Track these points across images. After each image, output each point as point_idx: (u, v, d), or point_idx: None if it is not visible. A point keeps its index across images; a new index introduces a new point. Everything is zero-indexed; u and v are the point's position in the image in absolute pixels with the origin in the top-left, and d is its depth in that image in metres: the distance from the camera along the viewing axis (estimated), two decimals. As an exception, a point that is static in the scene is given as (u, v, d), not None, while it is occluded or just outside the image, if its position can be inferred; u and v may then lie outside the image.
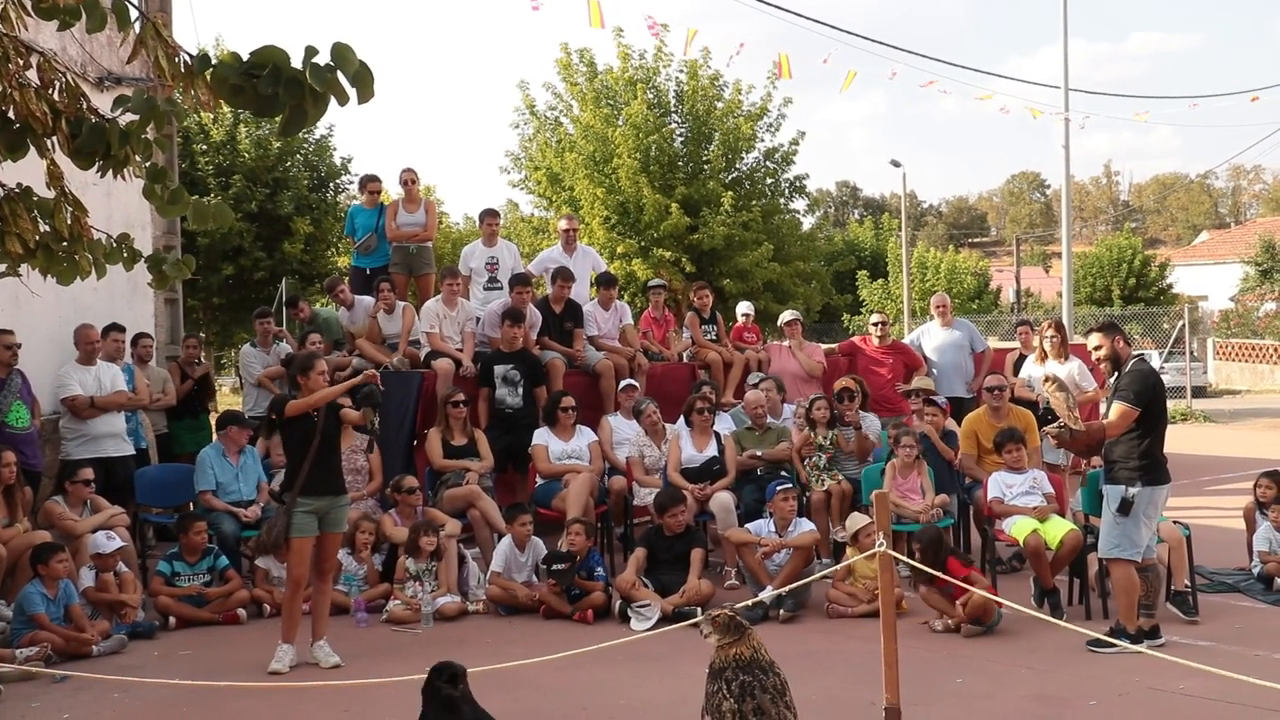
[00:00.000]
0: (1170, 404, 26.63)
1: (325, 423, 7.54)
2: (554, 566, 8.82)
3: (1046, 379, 8.10)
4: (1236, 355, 38.22)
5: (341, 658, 7.53)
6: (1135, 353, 7.80)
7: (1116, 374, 7.66)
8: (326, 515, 7.57)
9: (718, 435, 10.37)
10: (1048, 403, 10.69)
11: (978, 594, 7.63)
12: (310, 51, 3.85)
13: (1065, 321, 21.88)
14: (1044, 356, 11.13)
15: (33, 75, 4.64)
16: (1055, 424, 7.61)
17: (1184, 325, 28.14)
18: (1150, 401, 7.40)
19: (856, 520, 8.79)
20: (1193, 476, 15.06)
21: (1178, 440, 19.58)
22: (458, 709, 4.51)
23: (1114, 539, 7.42)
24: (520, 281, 11.59)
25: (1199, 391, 30.44)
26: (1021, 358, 12.41)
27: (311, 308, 13.67)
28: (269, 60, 3.84)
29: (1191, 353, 30.18)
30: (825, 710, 6.29)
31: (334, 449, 7.76)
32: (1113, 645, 7.05)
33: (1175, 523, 8.63)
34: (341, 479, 7.90)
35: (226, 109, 22.78)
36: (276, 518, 7.61)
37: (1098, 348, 7.73)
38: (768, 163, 25.50)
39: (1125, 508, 7.33)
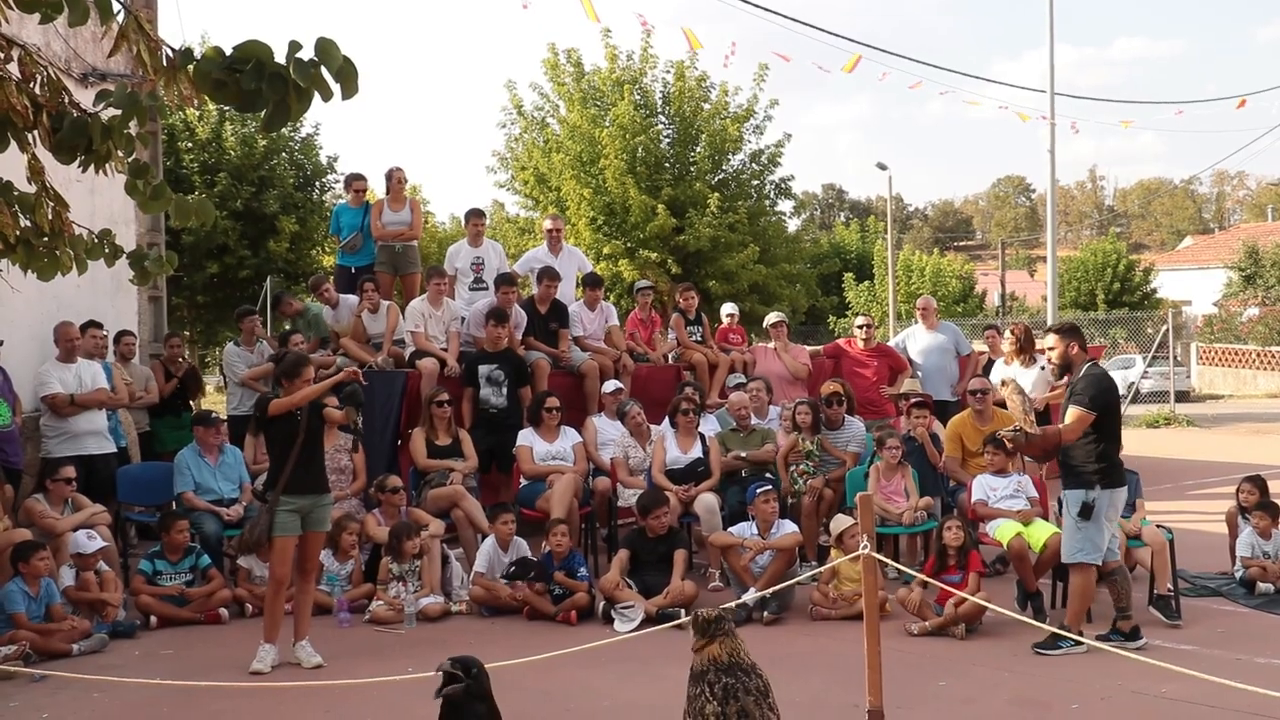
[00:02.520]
0: (1154, 408, 26.72)
1: (308, 421, 7.51)
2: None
3: (1003, 382, 8.12)
4: (1220, 360, 38.36)
5: (324, 658, 7.49)
6: (1088, 359, 7.79)
7: (1067, 377, 7.68)
8: (310, 514, 7.53)
9: (702, 437, 10.35)
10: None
11: (972, 600, 7.65)
12: (294, 46, 3.82)
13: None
14: (1011, 359, 11.21)
15: (14, 69, 4.60)
16: (1010, 427, 7.62)
17: (1168, 330, 28.21)
18: (1105, 405, 7.42)
19: (840, 522, 8.79)
20: (1176, 481, 15.11)
21: (1161, 444, 19.78)
22: (459, 711, 4.41)
23: (1077, 543, 7.43)
24: (505, 281, 11.57)
25: (1182, 396, 30.54)
26: (990, 362, 12.47)
27: (302, 302, 13.58)
28: (252, 55, 3.81)
29: (1175, 357, 30.27)
30: (809, 712, 6.28)
31: (317, 448, 7.73)
32: (1058, 647, 7.24)
33: (1158, 526, 8.64)
34: (325, 478, 7.86)
35: (212, 106, 22.73)
36: (259, 517, 7.58)
37: (1051, 348, 7.79)
38: (754, 165, 25.50)
39: (1086, 512, 7.35)
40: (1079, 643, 7.18)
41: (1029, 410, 7.71)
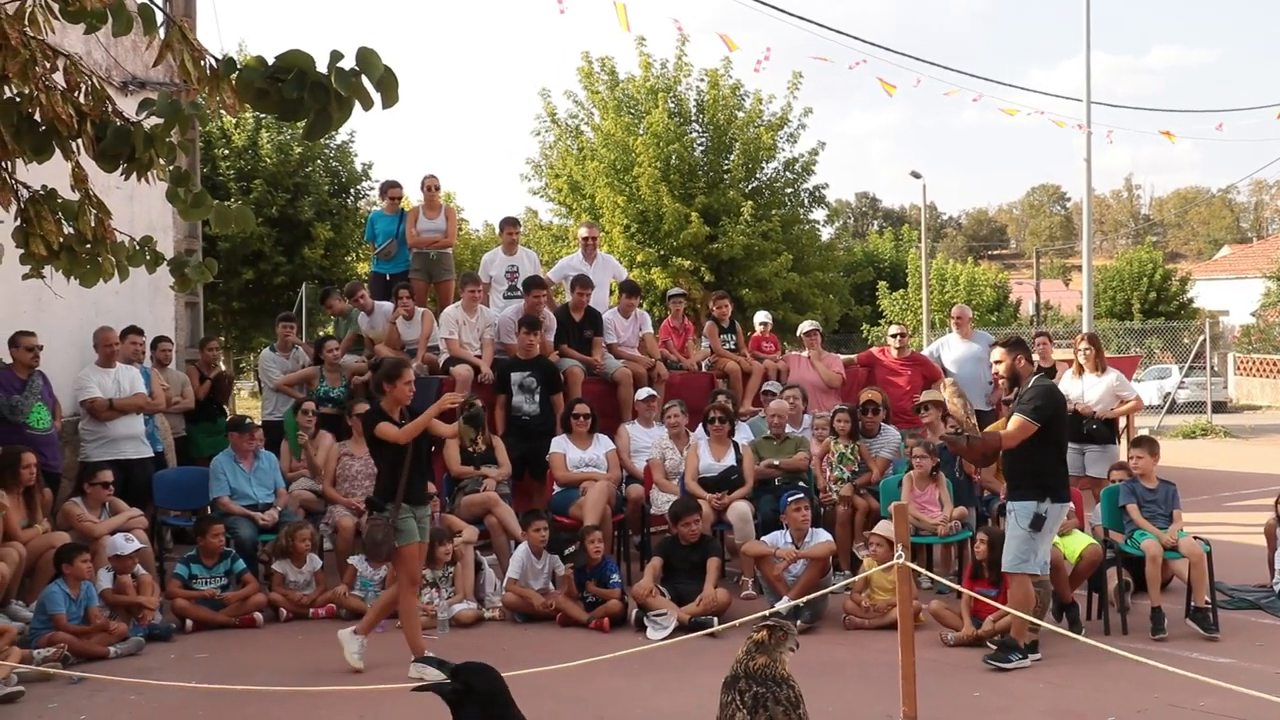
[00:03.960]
0: (1191, 419, 26.43)
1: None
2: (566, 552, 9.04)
3: (945, 383, 8.09)
4: (1257, 371, 37.97)
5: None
6: (1036, 372, 7.78)
7: (1015, 390, 7.73)
8: (418, 523, 7.62)
9: (736, 445, 10.34)
10: (1091, 415, 10.72)
11: (1013, 614, 7.61)
12: (335, 56, 3.86)
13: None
14: (1080, 370, 11.09)
15: (59, 78, 4.67)
16: (952, 429, 7.60)
17: (1205, 340, 27.98)
18: (1051, 417, 7.45)
19: (880, 528, 8.78)
20: (1213, 492, 14.97)
21: (1199, 455, 19.59)
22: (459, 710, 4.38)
23: (1022, 554, 7.43)
24: (534, 286, 11.56)
25: (1219, 407, 30.25)
26: (1039, 369, 12.32)
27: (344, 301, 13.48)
28: (294, 64, 3.85)
29: (1212, 368, 30.00)
30: (842, 722, 6.26)
31: (426, 459, 7.88)
32: (1009, 660, 7.30)
33: (1196, 538, 8.56)
34: (427, 488, 7.95)
35: (249, 113, 22.91)
36: (377, 531, 7.47)
37: (998, 362, 7.83)
38: (787, 173, 25.47)
39: (1038, 524, 7.39)
40: (1025, 655, 7.34)
41: (970, 413, 7.70)
